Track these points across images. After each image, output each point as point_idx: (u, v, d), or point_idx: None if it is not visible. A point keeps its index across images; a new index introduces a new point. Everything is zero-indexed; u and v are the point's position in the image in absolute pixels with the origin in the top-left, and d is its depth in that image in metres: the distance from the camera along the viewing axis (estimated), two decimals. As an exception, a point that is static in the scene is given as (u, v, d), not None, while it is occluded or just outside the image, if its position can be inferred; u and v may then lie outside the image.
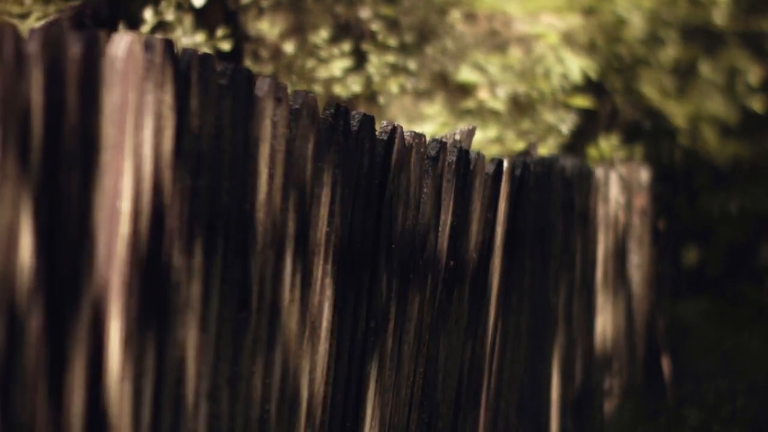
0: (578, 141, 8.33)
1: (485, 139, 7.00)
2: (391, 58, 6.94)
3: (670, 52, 9.37)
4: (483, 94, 7.39)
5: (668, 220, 8.68)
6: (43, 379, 2.05)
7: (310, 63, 6.62)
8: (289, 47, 6.67)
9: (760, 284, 10.50)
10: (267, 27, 6.68)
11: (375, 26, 7.02)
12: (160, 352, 2.35)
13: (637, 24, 8.71)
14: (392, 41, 7.03)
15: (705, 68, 9.70)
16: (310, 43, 6.71)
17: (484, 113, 7.31)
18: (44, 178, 2.03)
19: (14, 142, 1.97)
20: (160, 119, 2.30)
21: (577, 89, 7.97)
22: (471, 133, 3.87)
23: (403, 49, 7.11)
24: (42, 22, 4.92)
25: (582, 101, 7.85)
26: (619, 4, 8.53)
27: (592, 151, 8.30)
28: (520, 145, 7.04)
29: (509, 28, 7.90)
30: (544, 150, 7.11)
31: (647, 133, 9.49)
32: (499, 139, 7.11)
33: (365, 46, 6.94)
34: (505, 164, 3.98)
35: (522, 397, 4.49)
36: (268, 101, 2.64)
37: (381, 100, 6.85)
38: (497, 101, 7.34)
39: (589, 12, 8.43)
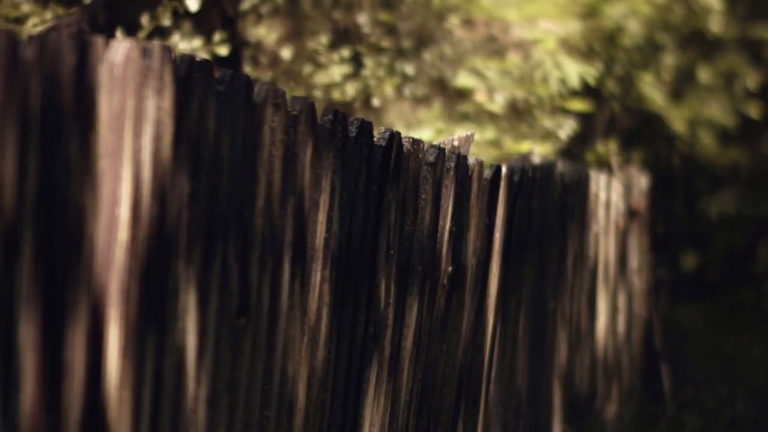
0: (576, 146, 8.33)
1: (483, 141, 7.00)
2: (385, 59, 6.93)
3: (668, 57, 9.37)
4: (481, 96, 7.39)
5: (667, 225, 8.68)
6: (42, 387, 2.04)
7: (309, 69, 6.61)
8: (287, 53, 6.66)
9: (758, 289, 10.51)
10: (265, 33, 6.68)
11: (373, 31, 7.02)
12: (159, 358, 2.34)
13: (634, 30, 8.71)
14: (387, 43, 7.02)
15: (703, 74, 9.70)
16: (308, 48, 6.70)
17: (481, 116, 7.31)
18: (42, 184, 2.03)
19: (12, 149, 1.96)
20: (159, 125, 2.29)
21: (575, 94, 7.97)
22: (469, 139, 3.86)
23: (401, 54, 7.11)
24: (39, 28, 4.91)
25: (580, 106, 7.85)
26: (617, 10, 8.53)
27: (590, 157, 8.30)
28: (518, 149, 7.04)
29: (507, 34, 7.90)
30: (543, 153, 7.11)
31: (645, 138, 9.49)
32: (496, 143, 7.10)
33: (360, 49, 6.94)
34: (504, 170, 3.97)
35: (521, 403, 4.49)
36: (266, 107, 2.63)
37: (377, 102, 6.83)
38: (495, 104, 7.34)
39: (587, 17, 8.43)
